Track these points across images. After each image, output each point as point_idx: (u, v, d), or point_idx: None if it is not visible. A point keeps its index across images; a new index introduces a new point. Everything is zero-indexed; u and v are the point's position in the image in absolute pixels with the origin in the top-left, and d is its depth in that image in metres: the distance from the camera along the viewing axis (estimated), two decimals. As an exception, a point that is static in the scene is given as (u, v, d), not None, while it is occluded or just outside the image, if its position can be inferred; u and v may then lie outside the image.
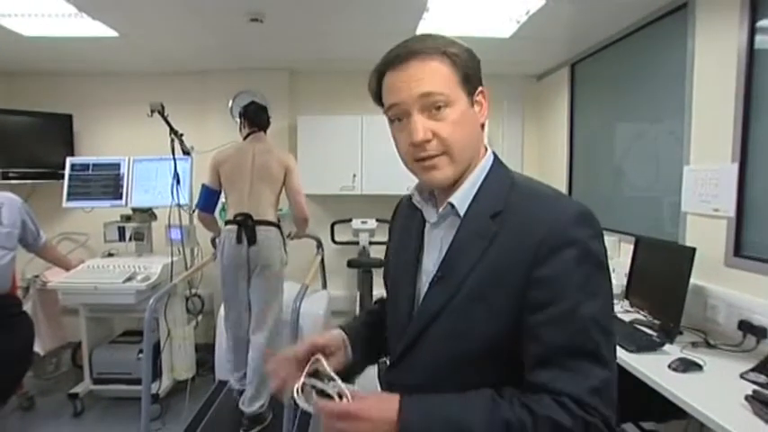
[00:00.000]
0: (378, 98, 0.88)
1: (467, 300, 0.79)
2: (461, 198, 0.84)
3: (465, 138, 0.82)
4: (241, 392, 2.78)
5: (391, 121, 0.86)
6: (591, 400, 0.69)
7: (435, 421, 0.71)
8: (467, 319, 0.79)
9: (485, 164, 0.87)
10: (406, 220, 0.99)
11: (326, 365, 0.82)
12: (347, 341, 0.95)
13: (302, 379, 0.81)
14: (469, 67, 0.83)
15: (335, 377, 0.79)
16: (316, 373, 0.82)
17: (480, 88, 0.86)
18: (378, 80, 0.86)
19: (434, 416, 0.72)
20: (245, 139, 2.88)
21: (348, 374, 0.94)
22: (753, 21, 1.96)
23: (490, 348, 0.78)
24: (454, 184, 0.85)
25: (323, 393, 0.78)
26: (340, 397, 0.75)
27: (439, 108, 0.79)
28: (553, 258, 0.74)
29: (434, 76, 0.80)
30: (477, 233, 0.81)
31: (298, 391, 0.79)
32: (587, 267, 0.74)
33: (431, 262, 0.87)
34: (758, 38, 1.95)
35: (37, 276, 3.27)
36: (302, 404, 0.78)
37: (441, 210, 0.87)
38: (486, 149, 0.90)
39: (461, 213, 0.84)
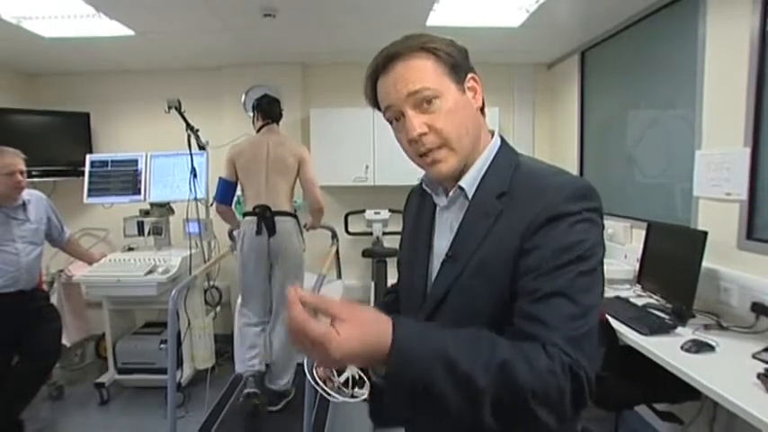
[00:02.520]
0: (376, 104, 0.92)
1: (471, 276, 0.83)
2: (470, 181, 0.88)
3: (461, 126, 0.84)
4: (252, 376, 2.85)
5: (390, 122, 0.89)
6: (569, 349, 0.70)
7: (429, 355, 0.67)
8: (472, 294, 0.83)
9: (492, 148, 0.91)
10: (417, 207, 1.03)
11: None
12: None
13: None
14: (453, 56, 0.85)
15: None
16: None
17: (470, 75, 0.88)
18: (372, 87, 0.90)
19: (428, 350, 0.67)
20: (258, 131, 2.93)
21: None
22: (765, 5, 1.95)
23: (496, 321, 0.80)
24: (461, 174, 0.89)
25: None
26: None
27: (430, 102, 0.82)
28: (544, 228, 0.77)
29: (419, 72, 0.82)
30: (483, 213, 0.85)
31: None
32: (577, 233, 0.76)
33: (441, 244, 0.91)
34: (770, 21, 1.95)
35: (61, 271, 3.36)
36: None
37: (451, 193, 0.91)
38: (493, 134, 0.93)
39: (470, 195, 0.88)
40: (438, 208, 0.96)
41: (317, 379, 0.81)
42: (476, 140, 0.88)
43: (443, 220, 0.94)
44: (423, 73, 0.82)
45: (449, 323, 0.84)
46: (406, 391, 0.66)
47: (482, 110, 0.91)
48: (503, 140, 0.93)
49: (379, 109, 0.91)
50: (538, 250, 0.76)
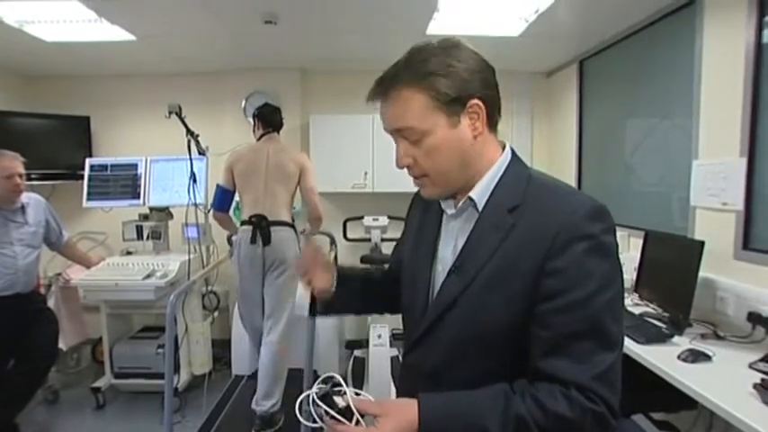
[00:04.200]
0: None
1: (483, 288, 0.83)
2: (480, 193, 0.88)
3: (444, 163, 0.85)
4: (261, 417, 2.71)
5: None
6: (596, 387, 0.74)
7: (454, 425, 0.77)
8: (482, 306, 0.83)
9: (503, 160, 0.90)
10: (423, 210, 1.03)
11: (345, 386, 0.82)
12: (334, 275, 1.09)
13: (314, 388, 0.81)
14: (455, 85, 0.81)
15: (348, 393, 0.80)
16: (327, 382, 0.82)
17: (474, 100, 0.83)
18: None
19: (453, 419, 0.77)
20: (258, 140, 2.93)
21: (326, 308, 1.11)
22: (761, 16, 1.98)
23: (504, 333, 0.82)
24: (470, 185, 0.89)
25: (332, 405, 0.79)
26: (351, 416, 0.77)
27: (414, 139, 0.85)
28: (566, 251, 0.77)
29: (405, 110, 0.83)
30: (494, 225, 0.85)
31: (311, 401, 0.79)
32: (598, 259, 0.78)
33: (447, 252, 0.92)
34: (766, 33, 1.97)
35: (59, 274, 3.36)
36: (305, 421, 0.79)
37: (460, 203, 0.91)
38: (505, 147, 0.93)
39: (480, 207, 0.88)
40: (445, 216, 0.96)
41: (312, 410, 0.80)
42: (468, 170, 0.87)
43: (449, 229, 0.94)
44: (409, 111, 0.83)
45: (452, 330, 0.86)
46: None
47: (494, 125, 0.89)
48: (513, 153, 0.92)
49: None
50: (561, 274, 0.77)
